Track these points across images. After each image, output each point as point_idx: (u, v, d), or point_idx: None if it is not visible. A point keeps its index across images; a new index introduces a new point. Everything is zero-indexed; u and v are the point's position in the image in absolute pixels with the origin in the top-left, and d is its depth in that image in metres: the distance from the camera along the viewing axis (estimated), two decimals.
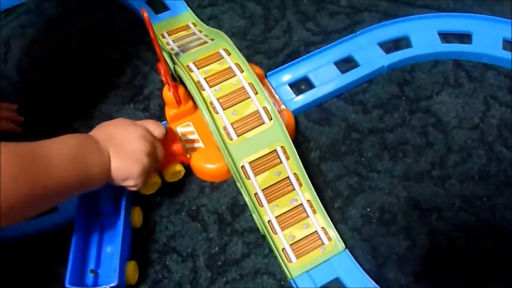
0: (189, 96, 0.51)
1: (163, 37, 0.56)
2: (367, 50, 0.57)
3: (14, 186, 0.32)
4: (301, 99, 0.54)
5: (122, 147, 0.40)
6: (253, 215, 0.45)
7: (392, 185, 0.48)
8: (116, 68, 0.60)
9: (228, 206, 0.48)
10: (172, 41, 0.55)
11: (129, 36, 0.64)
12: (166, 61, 0.50)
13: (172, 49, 0.53)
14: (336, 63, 0.57)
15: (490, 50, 0.56)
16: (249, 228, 0.47)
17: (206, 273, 0.44)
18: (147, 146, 0.41)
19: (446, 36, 0.58)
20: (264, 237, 0.45)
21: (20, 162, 0.33)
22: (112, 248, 0.45)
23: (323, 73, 0.56)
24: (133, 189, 0.42)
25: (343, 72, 0.56)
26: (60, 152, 0.36)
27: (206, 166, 0.48)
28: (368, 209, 0.47)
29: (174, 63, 0.49)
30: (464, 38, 0.58)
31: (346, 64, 0.57)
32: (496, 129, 0.51)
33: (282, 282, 0.43)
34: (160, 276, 0.45)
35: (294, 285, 0.42)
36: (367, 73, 0.56)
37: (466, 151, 0.50)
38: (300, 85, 0.56)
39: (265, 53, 0.60)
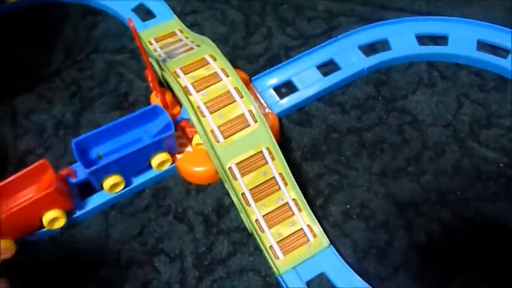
0: (176, 101, 0.52)
1: (151, 44, 0.57)
2: (348, 53, 0.59)
3: None
4: (286, 102, 0.56)
5: None
6: (241, 215, 0.46)
7: (371, 182, 0.50)
8: (101, 77, 0.62)
9: (213, 207, 0.50)
10: (160, 47, 0.56)
11: (113, 45, 0.65)
12: (153, 67, 0.51)
13: (159, 55, 0.54)
14: (318, 67, 0.59)
15: (466, 51, 0.58)
16: (234, 227, 0.48)
17: (194, 273, 0.46)
18: None
19: (423, 39, 0.60)
20: (251, 235, 0.47)
21: None
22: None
23: (306, 76, 0.58)
24: None
25: (325, 75, 0.58)
26: None
27: (194, 169, 0.50)
28: (348, 206, 0.49)
29: (161, 69, 0.50)
30: (441, 40, 0.60)
31: (327, 67, 0.59)
32: (468, 126, 0.53)
33: (267, 279, 0.45)
34: (149, 277, 0.46)
35: (282, 282, 0.44)
36: (348, 75, 0.57)
37: (440, 147, 0.52)
38: (284, 88, 0.58)
39: (247, 58, 0.62)
